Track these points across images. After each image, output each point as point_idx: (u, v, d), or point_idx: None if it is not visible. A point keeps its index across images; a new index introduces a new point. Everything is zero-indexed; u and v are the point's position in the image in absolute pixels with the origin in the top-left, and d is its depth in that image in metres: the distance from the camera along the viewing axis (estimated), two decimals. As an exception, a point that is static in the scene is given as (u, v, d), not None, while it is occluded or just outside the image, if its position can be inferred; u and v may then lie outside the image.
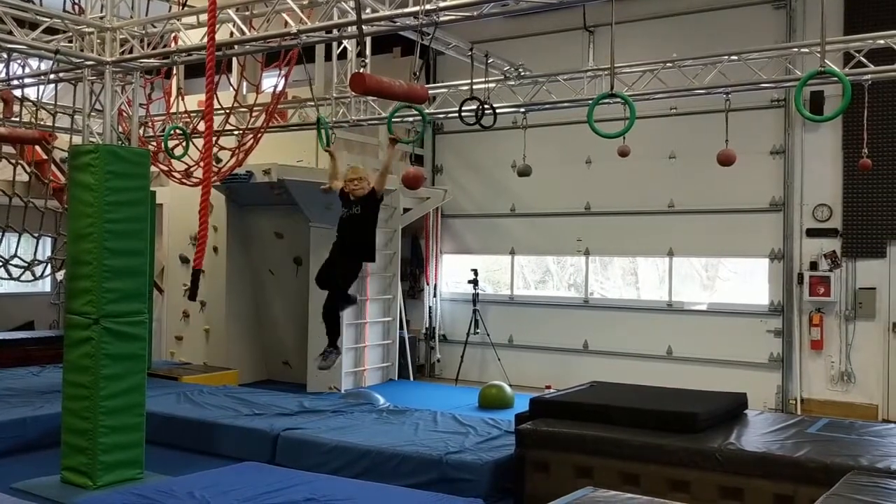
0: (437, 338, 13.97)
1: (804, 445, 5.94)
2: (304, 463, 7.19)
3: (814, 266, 10.94)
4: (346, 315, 12.03)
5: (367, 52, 9.04)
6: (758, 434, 6.37)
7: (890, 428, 6.84)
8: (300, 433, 7.81)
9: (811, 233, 10.99)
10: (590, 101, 6.05)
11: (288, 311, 12.75)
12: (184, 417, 8.67)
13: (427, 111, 10.22)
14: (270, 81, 10.67)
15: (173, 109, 10.50)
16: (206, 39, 6.73)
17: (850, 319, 10.72)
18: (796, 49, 8.57)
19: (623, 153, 9.38)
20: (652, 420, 6.47)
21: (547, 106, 9.66)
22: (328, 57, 11.71)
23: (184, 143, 8.16)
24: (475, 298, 13.21)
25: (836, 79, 5.35)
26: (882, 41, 7.85)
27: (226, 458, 7.62)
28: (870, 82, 7.98)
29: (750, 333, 11.37)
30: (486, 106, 8.57)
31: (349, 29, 6.39)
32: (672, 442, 6.07)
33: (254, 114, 10.18)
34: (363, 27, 5.46)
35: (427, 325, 14.03)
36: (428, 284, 14.04)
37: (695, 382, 9.29)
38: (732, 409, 7.08)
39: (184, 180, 9.96)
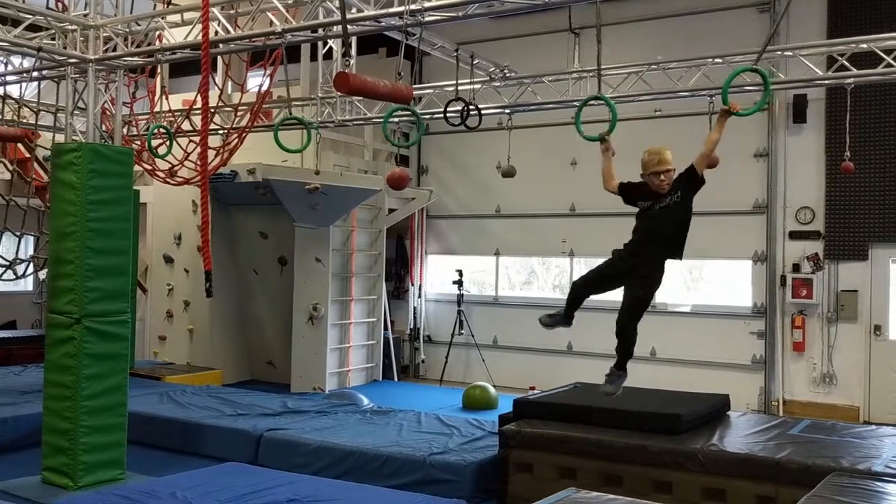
0: (421, 338, 13.96)
1: (786, 447, 5.97)
2: (287, 463, 7.16)
3: (796, 268, 11.01)
4: (331, 315, 12.05)
5: (353, 51, 8.99)
6: (740, 435, 6.40)
7: (871, 430, 6.89)
8: (283, 434, 7.79)
9: (794, 235, 11.06)
10: (574, 103, 6.08)
11: (272, 311, 12.71)
12: (166, 417, 8.63)
13: (414, 111, 10.23)
14: (256, 81, 10.63)
15: (157, 108, 10.47)
16: (190, 38, 6.72)
17: (832, 321, 10.80)
18: (780, 52, 8.63)
19: (608, 155, 9.38)
20: (635, 421, 6.49)
21: (532, 107, 9.68)
22: (314, 57, 11.69)
23: (167, 142, 8.14)
24: (460, 299, 13.22)
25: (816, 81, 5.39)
26: (865, 45, 7.92)
27: (209, 458, 7.59)
28: (852, 86, 8.04)
29: (733, 335, 11.43)
30: (471, 107, 8.57)
31: (334, 28, 6.37)
32: (655, 443, 6.09)
33: (238, 113, 10.14)
34: (348, 27, 5.45)
35: (412, 326, 14.02)
36: (413, 285, 14.03)
37: (678, 384, 9.32)
38: (715, 410, 7.12)
39: (167, 179, 9.91)
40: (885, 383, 10.58)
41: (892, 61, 7.74)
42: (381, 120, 10.50)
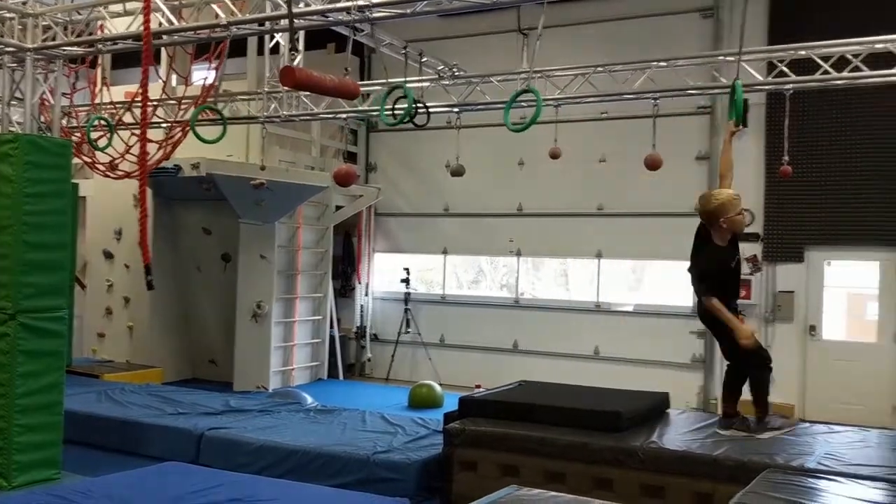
0: (367, 337, 13.91)
1: (723, 444, 6.10)
2: (229, 463, 7.07)
3: (736, 269, 11.23)
4: (275, 313, 11.94)
5: (301, 46, 8.97)
6: (679, 433, 6.52)
7: (805, 427, 7.08)
8: (225, 433, 7.69)
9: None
10: (523, 104, 6.12)
11: (215, 308, 12.53)
12: (104, 416, 8.47)
13: (361, 108, 10.20)
14: (201, 74, 10.46)
15: (98, 100, 10.24)
16: (133, 28, 6.58)
17: (769, 322, 11.06)
18: (722, 57, 8.81)
19: (554, 155, 9.49)
20: (577, 419, 6.55)
21: (480, 106, 9.72)
22: (261, 51, 11.55)
23: (108, 135, 7.96)
24: (407, 297, 13.22)
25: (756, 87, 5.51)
26: (803, 52, 8.13)
27: (148, 458, 7.43)
28: (791, 91, 8.24)
29: (674, 334, 11.64)
30: (419, 104, 8.55)
31: (281, 22, 6.30)
32: (596, 440, 6.16)
33: (182, 106, 9.97)
34: (295, 21, 5.40)
35: (358, 324, 13.96)
36: (359, 283, 13.97)
37: (621, 382, 9.45)
38: (655, 408, 7.24)
39: (108, 173, 9.71)
40: (819, 382, 10.88)
41: (829, 68, 7.97)
42: (329, 115, 10.52)
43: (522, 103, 6.64)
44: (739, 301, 10.94)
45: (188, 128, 9.29)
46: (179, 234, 12.55)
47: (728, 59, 8.68)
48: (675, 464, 5.83)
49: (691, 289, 11.45)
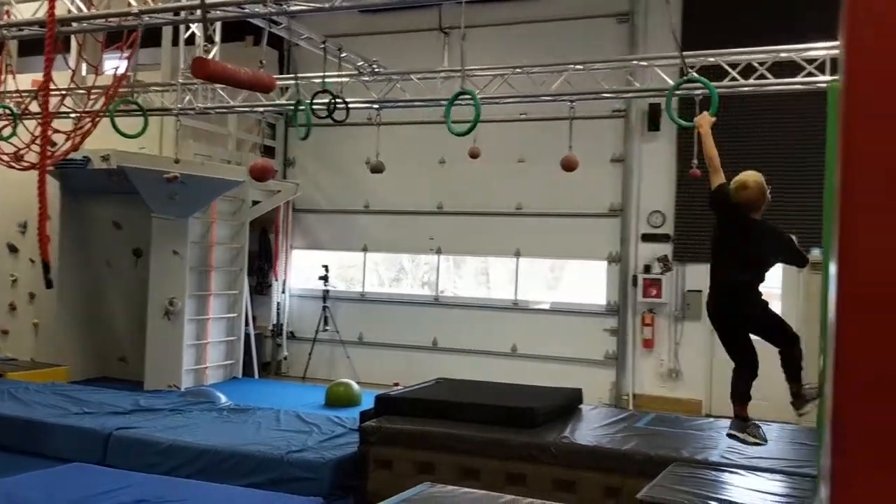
0: (284, 335, 13.73)
1: (632, 439, 6.26)
2: (137, 463, 6.89)
3: (647, 269, 11.56)
4: (188, 310, 11.67)
5: (217, 38, 8.77)
6: (590, 428, 6.66)
7: (710, 422, 7.34)
8: (134, 432, 7.49)
9: (646, 238, 11.60)
10: (442, 102, 6.14)
11: (126, 305, 12.17)
12: (7, 416, 8.15)
13: (279, 102, 10.06)
14: (113, 63, 10.14)
15: (2, 88, 9.81)
16: (40, 14, 6.34)
17: (678, 320, 11.40)
18: (636, 62, 9.02)
19: (473, 155, 9.55)
20: (492, 415, 6.63)
21: (401, 104, 9.72)
22: (176, 41, 11.26)
23: (13, 124, 7.65)
24: (325, 295, 13.10)
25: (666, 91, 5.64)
26: (713, 59, 8.41)
27: (53, 459, 7.18)
28: (700, 97, 8.50)
29: (588, 332, 11.87)
30: (338, 100, 8.50)
31: (196, 13, 6.16)
32: (510, 436, 6.24)
33: (92, 96, 9.64)
34: (210, 12, 5.29)
35: (274, 322, 13.76)
36: (276, 280, 13.78)
37: (537, 378, 9.59)
38: (568, 404, 7.38)
39: (12, 164, 9.32)
40: (726, 378, 11.18)
41: (736, 75, 8.26)
42: (246, 109, 10.34)
43: (443, 101, 6.68)
44: (649, 300, 11.43)
45: (98, 118, 9.01)
46: (89, 229, 12.13)
47: (641, 63, 8.90)
48: (586, 458, 5.96)
49: (605, 288, 11.85)
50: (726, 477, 5.32)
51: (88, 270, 12.19)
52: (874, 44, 1.28)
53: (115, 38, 8.85)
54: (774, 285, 11.21)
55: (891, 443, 1.26)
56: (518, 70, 9.04)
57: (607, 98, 9.52)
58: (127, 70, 8.96)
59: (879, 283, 1.26)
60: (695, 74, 6.10)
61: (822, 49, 7.99)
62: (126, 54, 8.80)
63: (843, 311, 1.28)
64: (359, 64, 9.41)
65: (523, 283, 12.55)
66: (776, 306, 11.23)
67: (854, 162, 1.29)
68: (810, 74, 8.01)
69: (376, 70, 9.55)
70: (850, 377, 1.28)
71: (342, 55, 8.96)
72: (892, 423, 1.26)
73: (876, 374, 1.27)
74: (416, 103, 9.62)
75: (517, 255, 12.44)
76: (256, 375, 12.99)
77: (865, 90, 1.29)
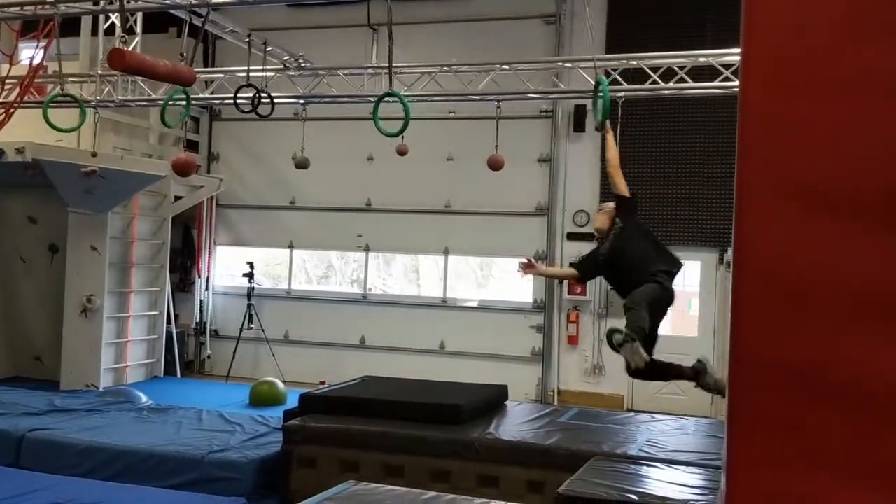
0: (208, 333, 13.48)
1: (555, 434, 6.37)
2: (52, 465, 6.67)
3: (573, 267, 11.73)
4: (107, 308, 11.36)
5: (139, 29, 8.57)
6: (515, 424, 6.75)
7: (630, 416, 7.52)
8: (49, 434, 7.25)
9: (571, 236, 11.79)
10: (369, 98, 6.13)
11: (41, 302, 11.76)
12: None
13: (202, 95, 9.87)
14: (29, 53, 9.79)
15: None
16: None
17: (602, 317, 11.61)
18: (561, 63, 9.16)
19: (401, 152, 9.53)
20: (418, 413, 6.65)
21: (327, 99, 9.66)
22: (95, 31, 10.94)
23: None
24: (250, 292, 12.89)
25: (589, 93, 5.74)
26: (635, 62, 8.60)
27: (-39, 463, 6.92)
28: (623, 99, 8.68)
29: (515, 329, 12.01)
30: (263, 94, 8.39)
31: (114, 3, 6.01)
32: (435, 434, 6.27)
33: (6, 87, 9.28)
34: (127, 2, 5.15)
35: (198, 320, 13.50)
36: (200, 277, 13.51)
37: (464, 376, 9.65)
38: (494, 400, 7.45)
39: (-82, 155, 8.91)
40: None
41: (657, 78, 8.47)
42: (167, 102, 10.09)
43: (370, 98, 6.66)
44: (574, 297, 11.61)
45: (12, 110, 8.68)
46: (1, 223, 11.70)
47: (566, 65, 9.04)
48: (510, 454, 6.04)
49: (532, 286, 11.99)
50: (644, 470, 5.45)
51: (1, 267, 11.75)
52: (768, 51, 1.33)
53: (31, 27, 8.55)
54: (692, 284, 11.54)
55: (782, 435, 1.32)
56: (446, 68, 9.08)
57: (533, 98, 9.64)
58: (43, 60, 8.68)
59: (771, 283, 1.32)
60: (602, 77, 6.26)
61: (737, 55, 8.24)
62: (43, 43, 8.52)
63: (736, 308, 1.34)
64: (285, 58, 9.30)
65: (452, 280, 12.61)
66: (694, 303, 11.59)
67: (747, 166, 1.35)
68: (727, 79, 8.25)
69: (302, 65, 9.46)
70: (744, 372, 1.34)
71: (268, 49, 8.85)
72: (783, 417, 1.32)
73: (768, 370, 1.33)
74: (343, 99, 9.57)
75: (446, 252, 12.49)
76: (179, 374, 12.71)
77: (757, 97, 1.34)
